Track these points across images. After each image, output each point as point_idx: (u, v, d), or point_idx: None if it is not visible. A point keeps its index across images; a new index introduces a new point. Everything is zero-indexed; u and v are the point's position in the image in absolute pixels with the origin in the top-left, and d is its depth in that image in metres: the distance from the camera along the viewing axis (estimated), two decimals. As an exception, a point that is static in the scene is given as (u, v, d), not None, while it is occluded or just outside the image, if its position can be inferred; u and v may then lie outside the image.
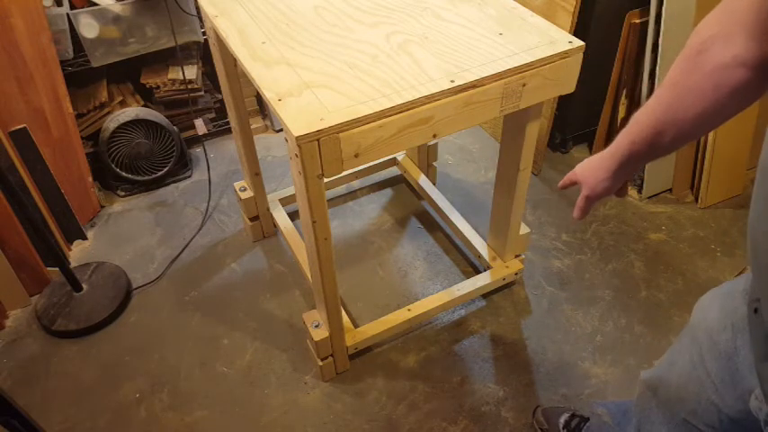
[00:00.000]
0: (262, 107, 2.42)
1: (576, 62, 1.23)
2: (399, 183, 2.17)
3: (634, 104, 2.05)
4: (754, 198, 0.66)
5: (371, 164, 2.08)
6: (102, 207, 2.09)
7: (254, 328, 1.71)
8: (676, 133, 0.70)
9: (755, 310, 0.72)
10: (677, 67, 0.67)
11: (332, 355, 1.52)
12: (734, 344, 0.81)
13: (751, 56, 0.59)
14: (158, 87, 2.10)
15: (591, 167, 0.87)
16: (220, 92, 1.76)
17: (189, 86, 2.11)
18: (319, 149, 1.05)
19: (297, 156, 1.06)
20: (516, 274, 1.72)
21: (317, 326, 1.47)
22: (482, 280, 1.68)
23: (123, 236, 1.99)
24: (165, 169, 2.14)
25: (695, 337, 0.90)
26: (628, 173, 0.84)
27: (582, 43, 1.22)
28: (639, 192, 2.07)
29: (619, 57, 1.96)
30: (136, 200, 2.13)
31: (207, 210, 2.08)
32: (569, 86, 1.27)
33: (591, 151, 2.27)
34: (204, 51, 2.19)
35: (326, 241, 1.25)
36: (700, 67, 0.64)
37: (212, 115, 2.28)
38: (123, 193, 2.14)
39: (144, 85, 2.11)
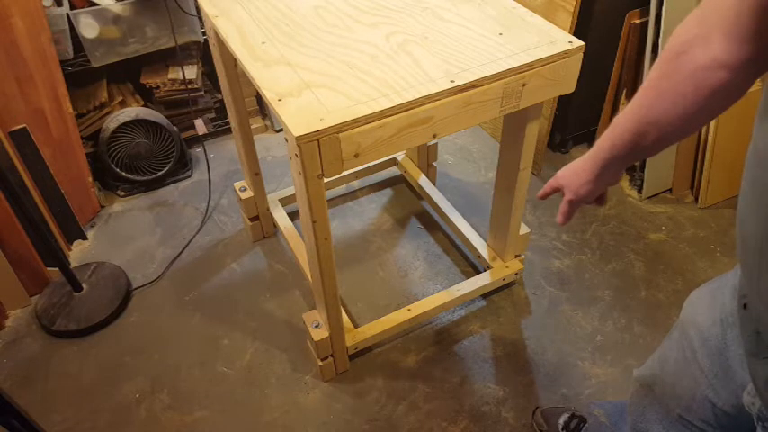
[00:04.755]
0: (262, 107, 2.42)
1: (576, 62, 1.23)
2: (399, 183, 2.17)
3: (634, 104, 2.05)
4: (741, 189, 0.65)
5: (371, 164, 2.08)
6: (102, 207, 2.09)
7: (254, 328, 1.71)
8: (658, 135, 0.70)
9: (744, 306, 0.72)
10: (657, 69, 0.67)
11: (332, 356, 1.52)
12: (723, 339, 0.81)
13: (731, 58, 0.59)
14: (158, 87, 2.10)
15: (573, 171, 0.87)
16: (220, 92, 1.76)
17: (189, 86, 2.11)
18: (319, 149, 1.05)
19: (297, 156, 1.06)
20: (516, 274, 1.72)
21: (316, 326, 1.47)
22: (482, 280, 1.68)
23: (123, 236, 1.99)
24: (165, 169, 2.14)
25: (685, 332, 0.90)
26: (610, 175, 0.83)
27: (582, 43, 1.22)
28: (639, 192, 2.07)
29: (619, 57, 1.96)
30: (136, 200, 2.13)
31: (207, 210, 2.08)
32: (569, 86, 1.27)
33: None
34: (204, 51, 2.19)
35: (326, 241, 1.25)
36: (679, 70, 0.63)
37: (212, 115, 2.28)
38: (123, 193, 2.14)
39: (144, 85, 2.11)
